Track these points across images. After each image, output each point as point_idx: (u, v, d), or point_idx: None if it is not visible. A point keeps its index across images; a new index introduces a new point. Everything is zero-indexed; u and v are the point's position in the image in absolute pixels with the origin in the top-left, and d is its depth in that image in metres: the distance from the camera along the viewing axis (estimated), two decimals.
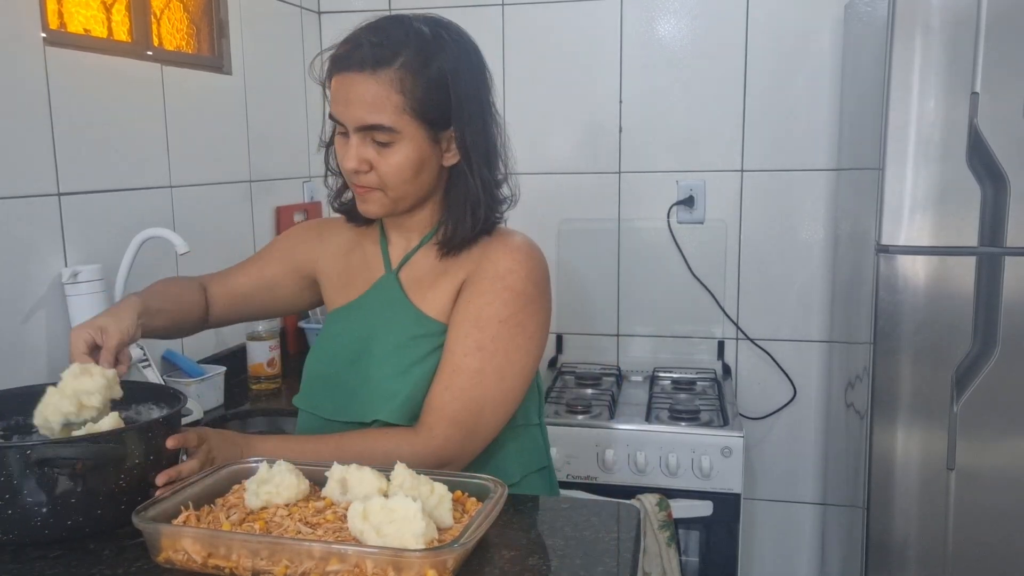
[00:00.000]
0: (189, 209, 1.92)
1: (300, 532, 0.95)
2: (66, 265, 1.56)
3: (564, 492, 1.42)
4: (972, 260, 1.71)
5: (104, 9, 1.74)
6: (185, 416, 1.19)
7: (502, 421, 1.20)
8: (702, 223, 2.40)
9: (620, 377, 2.40)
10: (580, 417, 2.06)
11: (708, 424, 2.01)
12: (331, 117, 1.17)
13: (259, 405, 1.97)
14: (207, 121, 2.01)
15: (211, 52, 2.09)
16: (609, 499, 1.19)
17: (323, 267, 1.36)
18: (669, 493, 1.92)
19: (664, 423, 2.02)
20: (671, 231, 2.41)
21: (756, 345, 2.41)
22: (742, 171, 2.36)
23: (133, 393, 1.24)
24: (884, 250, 1.75)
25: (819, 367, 2.39)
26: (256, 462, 1.09)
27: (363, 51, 1.11)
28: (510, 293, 1.17)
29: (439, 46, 1.14)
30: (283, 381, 2.09)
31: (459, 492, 1.03)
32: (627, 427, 2.00)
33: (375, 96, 1.11)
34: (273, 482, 1.02)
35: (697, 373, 2.38)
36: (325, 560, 0.88)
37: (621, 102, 2.40)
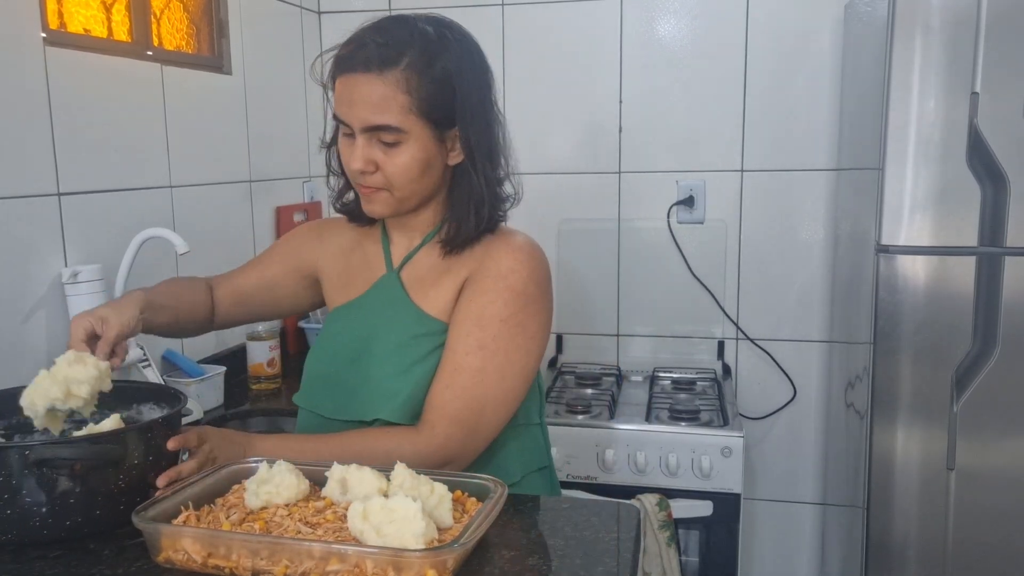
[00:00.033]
0: (189, 209, 1.92)
1: (300, 532, 0.95)
2: (66, 265, 1.56)
3: (564, 492, 1.42)
4: (972, 260, 1.71)
5: (104, 9, 1.74)
6: (185, 416, 1.19)
7: (503, 420, 1.20)
8: (702, 223, 2.40)
9: (620, 377, 2.40)
10: (580, 417, 2.06)
11: (708, 424, 2.01)
12: (336, 118, 1.17)
13: (259, 405, 1.97)
14: (207, 121, 2.01)
15: (211, 52, 2.09)
16: (609, 499, 1.19)
17: (324, 266, 1.36)
18: (669, 493, 1.92)
19: (664, 423, 2.02)
20: (671, 231, 2.41)
21: (756, 345, 2.41)
22: (742, 171, 2.36)
23: (133, 393, 1.24)
24: (884, 250, 1.75)
25: (819, 367, 2.39)
26: (256, 462, 1.09)
27: (368, 51, 1.11)
28: (512, 293, 1.18)
29: (443, 46, 1.14)
30: (283, 381, 2.09)
31: (459, 492, 1.03)
32: (627, 427, 2.00)
33: (381, 97, 1.11)
34: (273, 482, 1.02)
35: (697, 373, 2.38)
36: (325, 560, 0.88)
37: (621, 102, 2.40)
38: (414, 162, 1.14)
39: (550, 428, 1.43)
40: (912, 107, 1.68)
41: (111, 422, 1.13)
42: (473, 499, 1.03)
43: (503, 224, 1.26)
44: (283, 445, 1.16)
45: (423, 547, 0.88)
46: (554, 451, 1.92)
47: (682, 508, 1.92)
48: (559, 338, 2.53)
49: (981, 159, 1.66)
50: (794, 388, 2.40)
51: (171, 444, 1.06)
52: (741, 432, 1.95)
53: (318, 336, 1.34)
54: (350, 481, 1.02)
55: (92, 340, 1.13)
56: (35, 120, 1.50)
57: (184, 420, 1.20)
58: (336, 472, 1.03)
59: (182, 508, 0.99)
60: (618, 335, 2.50)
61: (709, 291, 2.41)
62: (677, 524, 1.91)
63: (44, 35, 1.52)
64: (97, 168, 1.65)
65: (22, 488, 0.97)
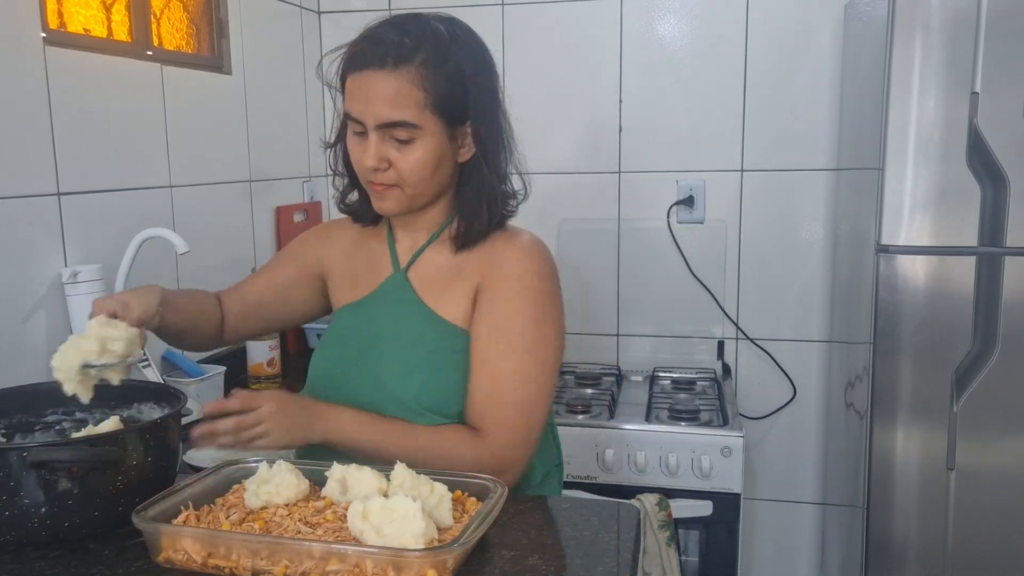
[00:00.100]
0: (189, 209, 1.92)
1: (300, 532, 0.95)
2: (66, 265, 1.56)
3: (564, 492, 1.42)
4: (972, 260, 1.71)
5: (104, 9, 1.74)
6: (185, 416, 1.19)
7: (544, 419, 1.22)
8: (702, 223, 2.40)
9: (620, 377, 2.40)
10: (580, 417, 2.06)
11: (708, 424, 2.01)
12: (347, 116, 1.16)
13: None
14: (207, 121, 2.01)
15: (211, 52, 2.09)
16: (609, 499, 1.19)
17: (331, 266, 1.36)
18: (669, 493, 1.92)
19: (664, 423, 2.02)
20: (671, 231, 2.41)
21: (756, 345, 2.41)
22: (742, 171, 2.36)
23: (133, 393, 1.24)
24: (884, 250, 1.75)
25: (819, 367, 2.39)
26: (255, 462, 1.09)
27: (383, 48, 1.12)
28: (529, 292, 1.19)
29: (455, 43, 1.15)
30: (283, 381, 2.09)
31: (459, 492, 1.03)
32: (627, 427, 2.00)
33: (397, 92, 1.11)
34: (273, 482, 1.02)
35: (697, 373, 2.38)
36: (325, 560, 0.88)
37: (621, 102, 2.40)
38: (428, 158, 1.15)
39: None
40: (912, 107, 1.68)
41: (110, 423, 1.13)
42: (473, 499, 1.03)
43: (510, 222, 1.27)
44: (355, 420, 1.15)
45: (423, 547, 0.88)
46: None
47: (682, 508, 1.92)
48: None
49: (981, 159, 1.66)
50: (794, 388, 2.40)
51: (234, 402, 1.08)
52: (741, 432, 1.95)
53: (324, 335, 1.34)
54: (350, 481, 1.02)
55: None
56: (35, 120, 1.50)
57: (184, 420, 1.20)
58: (336, 472, 1.03)
59: (182, 508, 0.99)
60: (618, 335, 2.50)
61: (709, 291, 2.41)
62: (677, 524, 1.90)
63: (44, 35, 1.52)
64: (97, 168, 1.65)
65: (20, 489, 0.97)
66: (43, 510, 0.98)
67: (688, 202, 2.38)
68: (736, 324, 2.42)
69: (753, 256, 2.39)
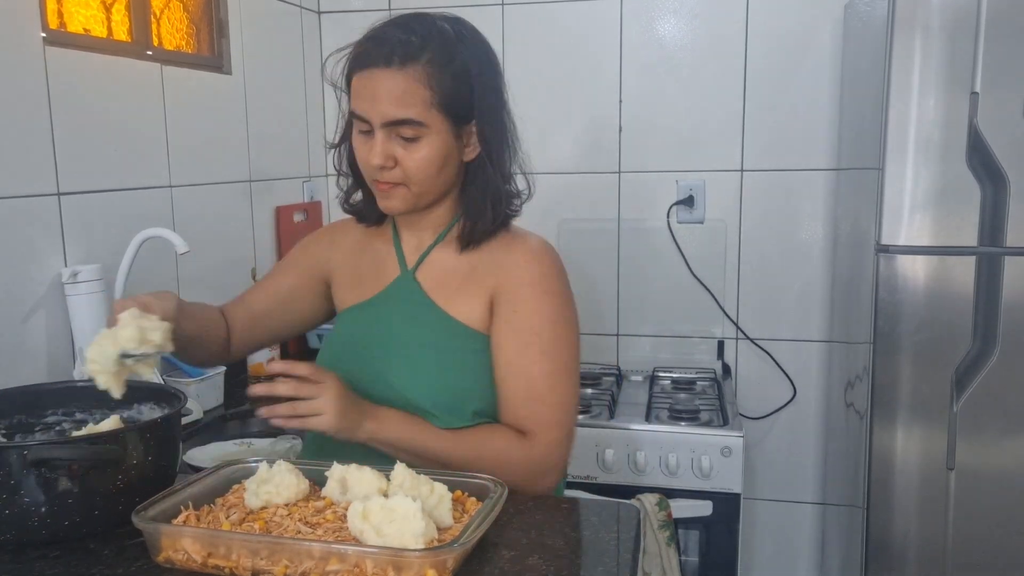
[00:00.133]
0: (189, 209, 1.92)
1: (300, 532, 0.95)
2: (66, 265, 1.56)
3: (564, 492, 1.42)
4: (972, 260, 1.71)
5: (104, 9, 1.74)
6: (185, 416, 1.19)
7: (576, 417, 1.24)
8: (702, 223, 2.40)
9: (620, 377, 2.40)
10: (580, 417, 2.06)
11: (708, 424, 2.01)
12: (353, 114, 1.16)
13: (259, 405, 1.96)
14: (207, 121, 2.01)
15: (211, 52, 2.09)
16: (609, 499, 1.19)
17: (335, 267, 1.35)
18: (669, 493, 1.92)
19: (664, 423, 2.02)
20: (671, 231, 2.41)
21: (756, 345, 2.41)
22: (742, 171, 2.36)
23: (133, 393, 1.24)
24: (884, 250, 1.75)
25: (819, 367, 2.39)
26: (255, 462, 1.09)
27: (389, 47, 1.12)
28: (550, 296, 1.20)
29: (462, 42, 1.16)
30: None
31: (459, 492, 1.03)
32: (627, 427, 2.00)
33: (404, 90, 1.11)
34: (273, 482, 1.02)
35: (697, 373, 2.38)
36: (325, 560, 0.88)
37: (621, 102, 2.40)
38: (434, 156, 1.15)
39: None
40: (912, 107, 1.68)
41: (110, 422, 1.13)
42: (473, 499, 1.03)
43: (513, 222, 1.27)
44: (404, 421, 1.15)
45: (423, 547, 0.88)
46: None
47: (682, 508, 1.92)
48: None
49: (981, 159, 1.66)
50: (794, 388, 2.40)
51: (303, 368, 1.08)
52: (741, 432, 1.95)
53: (328, 336, 1.33)
54: (350, 481, 1.02)
55: None
56: (35, 120, 1.50)
57: (184, 420, 1.20)
58: (336, 472, 1.03)
59: (182, 508, 0.99)
60: (618, 335, 2.50)
61: (709, 291, 2.41)
62: (677, 524, 1.90)
63: (44, 35, 1.52)
64: (97, 168, 1.65)
65: (21, 488, 0.97)
66: (43, 509, 0.98)
67: (688, 202, 2.38)
68: (736, 324, 2.42)
69: (753, 256, 2.39)
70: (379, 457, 1.13)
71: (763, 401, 2.43)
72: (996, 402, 1.72)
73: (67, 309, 1.54)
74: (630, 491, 1.92)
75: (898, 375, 1.76)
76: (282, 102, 2.37)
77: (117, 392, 1.08)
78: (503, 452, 1.16)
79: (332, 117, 2.71)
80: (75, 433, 1.15)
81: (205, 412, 1.83)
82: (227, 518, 0.98)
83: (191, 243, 1.61)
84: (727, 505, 1.95)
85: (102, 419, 1.18)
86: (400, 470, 1.01)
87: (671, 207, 2.40)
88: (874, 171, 1.78)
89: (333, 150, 1.29)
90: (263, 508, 1.01)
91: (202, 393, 1.84)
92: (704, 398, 2.21)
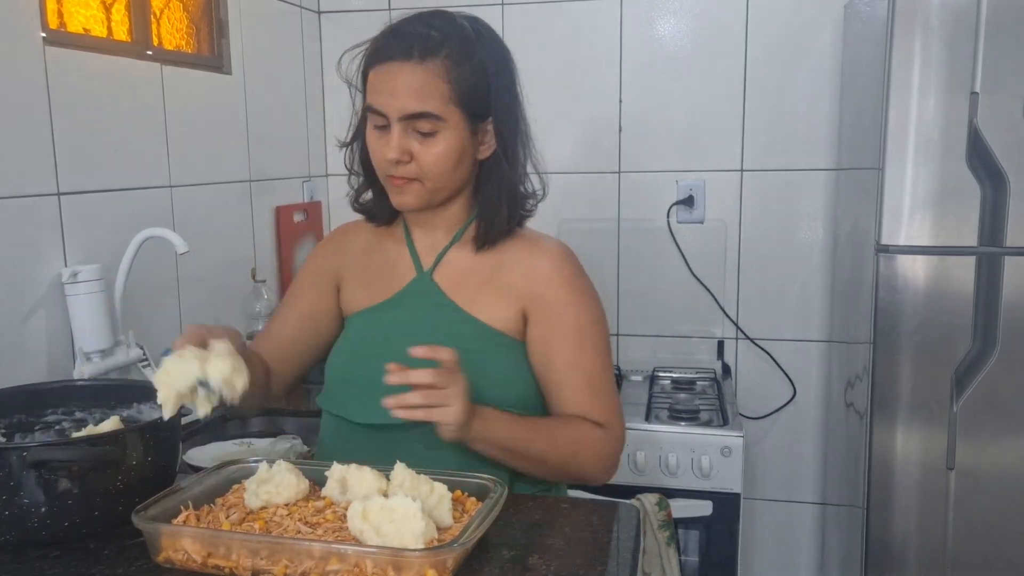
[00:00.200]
0: (189, 209, 1.92)
1: (300, 532, 0.95)
2: (66, 265, 1.56)
3: (567, 491, 1.42)
4: (972, 260, 1.71)
5: (104, 9, 1.74)
6: (185, 416, 1.19)
7: None
8: (702, 223, 2.40)
9: (620, 377, 2.40)
10: None
11: (708, 424, 2.01)
12: (369, 108, 1.16)
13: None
14: (207, 121, 2.01)
15: (211, 52, 2.09)
16: (609, 499, 1.19)
17: (345, 271, 1.33)
18: (669, 493, 1.91)
19: (664, 423, 2.02)
20: (671, 231, 2.41)
21: (756, 345, 2.41)
22: (742, 171, 2.36)
23: (133, 393, 1.24)
24: (884, 250, 1.75)
25: (819, 367, 2.39)
26: (255, 462, 1.09)
27: (409, 40, 1.12)
28: (584, 294, 1.24)
29: (480, 40, 1.16)
30: None
31: (459, 492, 1.04)
32: (627, 427, 1.99)
33: (423, 84, 1.11)
34: (273, 482, 1.02)
35: (697, 373, 2.38)
36: (325, 560, 0.88)
37: (621, 102, 2.40)
38: (450, 152, 1.15)
39: None
40: (912, 107, 1.68)
41: (110, 423, 1.13)
42: (473, 499, 1.03)
43: (526, 224, 1.28)
44: (506, 419, 1.14)
45: (423, 547, 0.88)
46: None
47: (682, 508, 1.92)
48: None
49: (981, 159, 1.66)
50: (794, 388, 2.40)
51: (445, 353, 1.05)
52: (741, 432, 1.95)
53: (340, 340, 1.30)
54: (350, 481, 1.02)
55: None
56: (35, 120, 1.50)
57: (184, 420, 1.20)
58: (336, 472, 1.03)
59: (182, 508, 0.99)
60: (618, 335, 2.50)
61: (709, 291, 2.41)
62: (677, 524, 1.90)
63: (44, 35, 1.52)
64: (97, 168, 1.65)
65: (20, 489, 0.97)
66: (43, 510, 0.98)
67: (688, 202, 2.38)
68: (736, 324, 2.42)
69: (753, 256, 2.39)
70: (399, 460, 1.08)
71: (763, 401, 2.43)
72: (996, 402, 1.72)
73: (67, 309, 1.54)
74: (630, 491, 1.92)
75: (898, 375, 1.76)
76: (282, 102, 2.37)
77: (168, 412, 1.02)
78: (594, 445, 1.19)
79: (332, 117, 2.73)
80: (75, 433, 1.15)
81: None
82: (227, 518, 0.98)
83: (191, 243, 1.61)
84: (727, 505, 1.95)
85: (102, 419, 1.18)
86: (400, 470, 1.01)
87: (671, 207, 2.40)
88: (874, 171, 1.78)
89: (344, 148, 1.28)
90: (263, 508, 1.01)
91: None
92: (704, 398, 2.21)
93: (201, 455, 1.54)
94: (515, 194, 1.23)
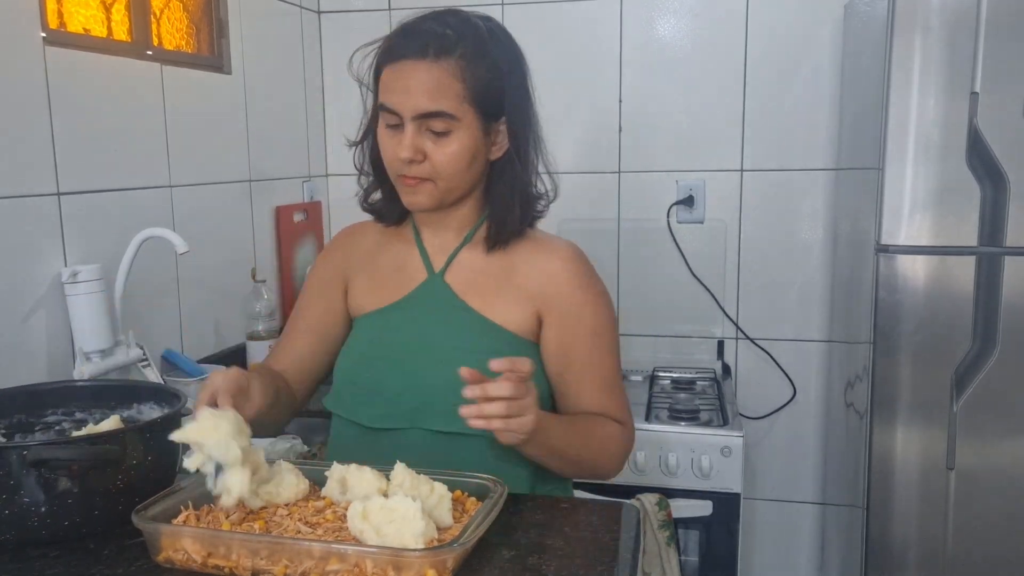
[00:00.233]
0: (189, 209, 1.92)
1: (300, 532, 0.95)
2: (66, 265, 1.56)
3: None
4: (972, 260, 1.71)
5: (104, 9, 1.74)
6: (185, 416, 1.19)
7: None
8: (702, 223, 2.40)
9: None
10: None
11: (708, 424, 2.01)
12: (382, 107, 1.15)
13: None
14: (207, 121, 2.01)
15: (211, 52, 2.09)
16: (609, 499, 1.19)
17: (353, 273, 1.31)
18: (669, 493, 1.91)
19: (664, 423, 2.02)
20: (671, 231, 2.41)
21: (756, 345, 2.41)
22: (742, 171, 2.36)
23: (133, 392, 1.24)
24: (884, 250, 1.75)
25: (819, 367, 2.39)
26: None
27: (424, 39, 1.12)
28: (599, 296, 1.24)
29: (494, 39, 1.16)
30: None
31: (459, 492, 1.03)
32: None
33: (438, 83, 1.11)
34: (273, 482, 1.02)
35: (697, 373, 2.38)
36: (325, 560, 0.88)
37: (621, 102, 2.40)
38: (463, 151, 1.14)
39: None
40: (912, 107, 1.68)
41: (110, 422, 1.13)
42: (473, 499, 1.03)
43: (537, 225, 1.28)
44: (555, 421, 1.14)
45: (423, 547, 0.88)
46: None
47: (682, 508, 1.92)
48: None
49: (981, 159, 1.66)
50: (794, 388, 2.40)
51: (525, 364, 1.03)
52: (741, 432, 1.95)
53: (348, 342, 1.29)
54: (350, 481, 1.02)
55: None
56: (35, 120, 1.50)
57: (184, 420, 1.20)
58: (336, 472, 1.03)
59: (182, 508, 0.99)
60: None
61: (709, 291, 2.41)
62: (677, 524, 1.90)
63: (44, 35, 1.52)
64: (97, 168, 1.65)
65: (20, 488, 0.97)
66: (43, 509, 0.98)
67: (688, 202, 2.38)
68: (736, 324, 2.42)
69: (753, 256, 2.39)
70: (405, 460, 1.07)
71: (763, 401, 2.43)
72: (996, 402, 1.72)
73: (67, 309, 1.54)
74: (630, 491, 1.92)
75: (898, 375, 1.76)
76: (282, 102, 2.37)
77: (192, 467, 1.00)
78: (617, 441, 1.23)
79: (332, 117, 2.72)
80: (75, 433, 1.15)
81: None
82: (227, 518, 0.98)
83: (191, 243, 1.61)
84: (727, 505, 1.95)
85: (102, 419, 1.18)
86: (400, 470, 1.01)
87: (671, 207, 2.40)
88: (874, 171, 1.78)
89: (354, 147, 1.27)
90: (263, 508, 1.01)
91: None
92: (704, 398, 2.21)
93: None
94: (527, 194, 1.22)
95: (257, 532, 0.95)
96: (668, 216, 2.40)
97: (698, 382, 2.33)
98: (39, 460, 0.96)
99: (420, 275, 1.25)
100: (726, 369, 2.43)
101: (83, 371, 1.52)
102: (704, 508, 1.94)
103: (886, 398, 1.78)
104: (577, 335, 1.21)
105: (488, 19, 1.19)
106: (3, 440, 1.15)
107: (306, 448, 1.66)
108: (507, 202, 1.21)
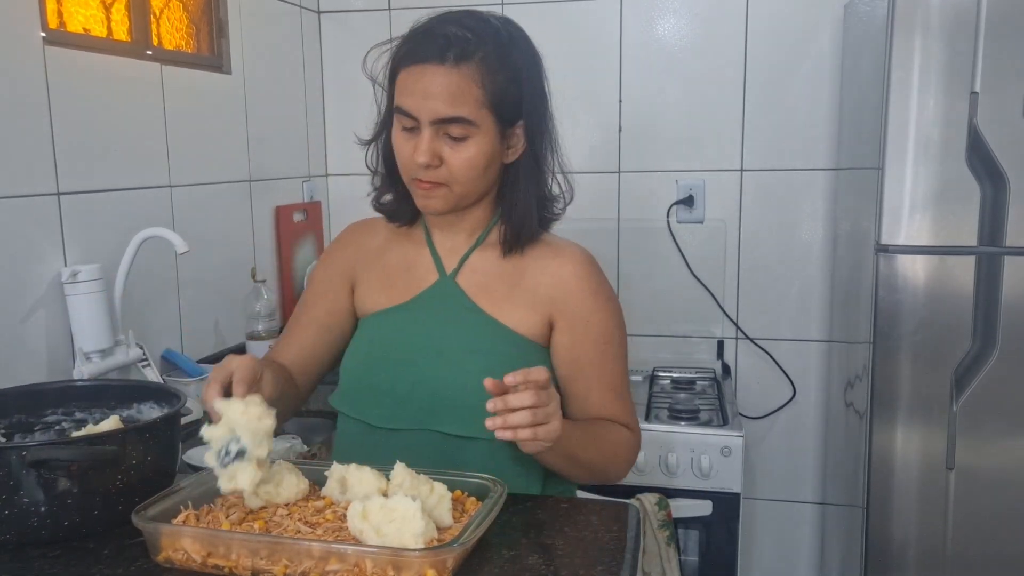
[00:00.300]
0: (189, 209, 1.92)
1: (300, 532, 0.95)
2: (65, 265, 1.56)
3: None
4: (972, 260, 1.71)
5: (103, 8, 1.74)
6: (185, 416, 1.19)
7: None
8: (702, 223, 2.40)
9: None
10: None
11: (708, 423, 2.01)
12: (399, 110, 1.14)
13: None
14: (207, 121, 2.01)
15: (211, 52, 2.09)
16: (609, 499, 1.19)
17: (361, 271, 1.31)
18: (669, 493, 1.91)
19: (664, 422, 2.02)
20: (671, 231, 2.41)
21: (756, 345, 2.41)
22: (742, 171, 2.36)
23: (133, 392, 1.24)
24: (884, 250, 1.75)
25: (818, 367, 2.39)
26: None
27: (444, 42, 1.10)
28: (610, 302, 1.24)
29: (513, 43, 1.15)
30: None
31: (459, 492, 1.04)
32: None
33: (458, 88, 1.10)
34: (273, 482, 1.02)
35: (697, 372, 2.38)
36: (324, 559, 0.88)
37: (621, 102, 2.40)
38: (480, 157, 1.13)
39: None
40: (912, 107, 1.68)
41: (110, 422, 1.13)
42: (473, 499, 1.03)
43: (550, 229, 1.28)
44: (569, 426, 1.11)
45: (422, 547, 0.88)
46: None
47: (682, 508, 1.92)
48: None
49: (981, 159, 1.66)
50: (793, 388, 2.40)
51: (541, 373, 1.01)
52: (741, 432, 1.95)
53: (355, 340, 1.28)
54: (350, 480, 1.02)
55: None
56: (35, 120, 1.50)
57: (184, 420, 1.20)
58: (336, 472, 1.03)
59: (182, 508, 0.99)
60: None
61: (709, 291, 2.41)
62: (676, 524, 1.90)
63: (43, 35, 1.52)
64: (97, 168, 1.65)
65: (20, 488, 0.97)
66: (43, 509, 0.98)
67: (688, 202, 2.38)
68: (736, 324, 2.42)
69: (753, 256, 2.39)
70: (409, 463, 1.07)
71: (763, 401, 2.43)
72: (996, 402, 1.72)
73: (67, 309, 1.54)
74: (630, 491, 1.92)
75: (898, 375, 1.76)
76: (282, 102, 2.37)
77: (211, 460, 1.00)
78: (626, 447, 1.24)
79: (332, 117, 2.72)
80: (75, 433, 1.15)
81: (204, 412, 1.83)
82: (227, 518, 0.98)
83: (191, 243, 1.61)
84: (727, 505, 1.95)
85: (102, 419, 1.18)
86: (400, 470, 1.01)
87: (671, 207, 2.40)
88: (874, 171, 1.78)
89: (367, 147, 1.26)
90: (263, 508, 1.01)
91: (202, 393, 1.84)
92: (704, 398, 2.21)
93: (201, 455, 1.54)
94: (543, 197, 1.22)
95: (257, 532, 0.95)
96: (668, 216, 2.40)
97: (698, 382, 2.33)
98: (39, 460, 0.96)
99: (431, 276, 1.25)
100: (726, 369, 2.43)
101: (83, 371, 1.52)
102: (704, 508, 1.94)
103: (886, 398, 1.78)
104: (586, 341, 1.21)
105: (507, 21, 1.17)
106: (3, 440, 1.15)
107: (306, 448, 1.66)
108: (525, 206, 1.20)
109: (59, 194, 1.55)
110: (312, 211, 2.49)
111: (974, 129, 1.65)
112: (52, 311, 1.54)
